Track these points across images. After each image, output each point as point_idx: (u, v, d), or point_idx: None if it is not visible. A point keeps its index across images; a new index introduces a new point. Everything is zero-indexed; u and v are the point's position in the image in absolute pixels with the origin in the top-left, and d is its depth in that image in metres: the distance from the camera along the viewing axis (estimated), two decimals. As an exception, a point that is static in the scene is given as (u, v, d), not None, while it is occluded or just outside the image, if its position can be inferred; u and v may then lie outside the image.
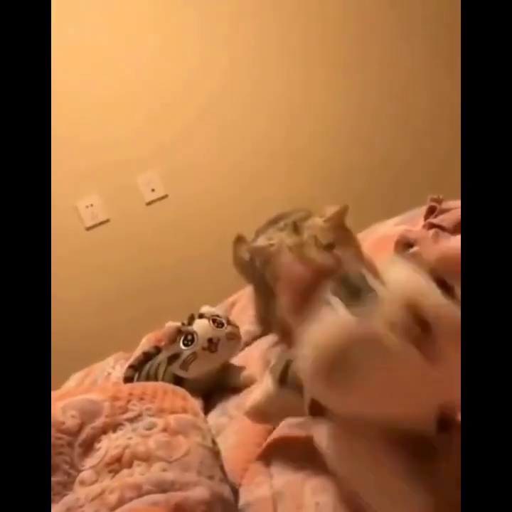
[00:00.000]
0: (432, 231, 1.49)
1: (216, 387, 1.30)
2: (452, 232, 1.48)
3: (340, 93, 2.78)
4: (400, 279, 0.56)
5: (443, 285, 0.56)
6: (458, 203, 1.56)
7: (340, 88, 2.77)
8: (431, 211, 1.59)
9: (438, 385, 0.55)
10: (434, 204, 1.57)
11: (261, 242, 1.02)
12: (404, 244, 1.29)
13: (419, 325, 0.51)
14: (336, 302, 0.55)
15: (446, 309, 0.53)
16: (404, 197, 2.10)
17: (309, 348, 0.56)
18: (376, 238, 1.77)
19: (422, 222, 1.63)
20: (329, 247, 0.95)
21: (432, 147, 2.76)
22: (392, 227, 1.79)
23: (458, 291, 0.55)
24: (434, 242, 1.44)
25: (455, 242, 0.65)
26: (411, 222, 1.76)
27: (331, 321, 0.55)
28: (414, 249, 1.19)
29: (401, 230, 1.59)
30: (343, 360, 0.53)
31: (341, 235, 1.00)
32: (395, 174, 2.76)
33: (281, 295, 0.95)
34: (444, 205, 1.56)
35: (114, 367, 1.85)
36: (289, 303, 0.90)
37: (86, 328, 2.69)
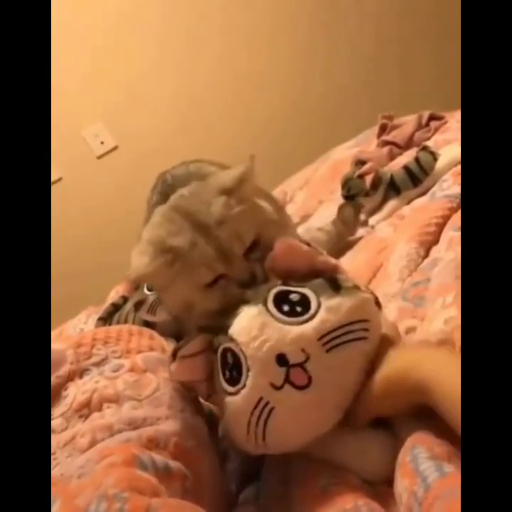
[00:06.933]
0: (386, 148, 1.49)
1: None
2: (404, 147, 1.48)
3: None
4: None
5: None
6: (408, 118, 1.55)
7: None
8: (383, 129, 1.58)
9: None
10: (385, 121, 1.56)
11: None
12: (358, 163, 1.28)
13: None
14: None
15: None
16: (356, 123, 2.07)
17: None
18: (332, 163, 1.77)
19: (375, 141, 1.63)
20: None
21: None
22: (346, 151, 1.78)
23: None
24: (388, 159, 1.44)
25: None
26: (364, 143, 1.75)
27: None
28: (368, 165, 1.18)
29: (355, 152, 1.58)
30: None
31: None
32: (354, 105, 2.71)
33: None
34: (395, 121, 1.56)
35: (87, 322, 1.83)
36: None
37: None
